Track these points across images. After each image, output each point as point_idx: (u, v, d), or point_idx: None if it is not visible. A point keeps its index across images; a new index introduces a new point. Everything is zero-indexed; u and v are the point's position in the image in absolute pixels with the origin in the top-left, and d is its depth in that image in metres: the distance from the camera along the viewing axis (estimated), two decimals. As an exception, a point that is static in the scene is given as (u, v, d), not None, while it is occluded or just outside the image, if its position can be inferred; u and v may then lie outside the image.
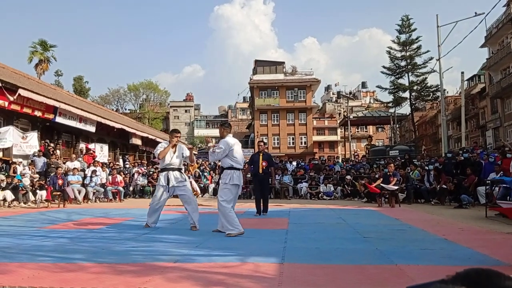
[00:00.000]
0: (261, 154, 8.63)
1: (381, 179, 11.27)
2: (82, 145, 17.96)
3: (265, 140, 37.27)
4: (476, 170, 11.38)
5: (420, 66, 37.41)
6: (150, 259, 3.97)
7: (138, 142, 24.78)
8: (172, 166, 6.30)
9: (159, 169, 6.53)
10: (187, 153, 6.47)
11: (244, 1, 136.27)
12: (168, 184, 6.20)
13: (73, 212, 9.37)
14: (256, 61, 46.80)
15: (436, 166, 12.57)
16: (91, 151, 17.00)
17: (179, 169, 6.42)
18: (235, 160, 5.73)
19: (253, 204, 8.97)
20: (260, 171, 8.47)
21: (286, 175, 15.44)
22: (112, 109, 45.26)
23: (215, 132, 61.71)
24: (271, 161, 8.90)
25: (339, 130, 53.75)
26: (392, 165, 11.81)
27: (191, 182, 9.00)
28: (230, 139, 5.82)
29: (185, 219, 7.23)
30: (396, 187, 10.68)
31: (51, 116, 15.28)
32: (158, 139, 28.02)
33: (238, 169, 5.76)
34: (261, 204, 8.52)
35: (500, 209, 7.73)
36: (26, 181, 11.92)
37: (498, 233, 5.81)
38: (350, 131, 34.62)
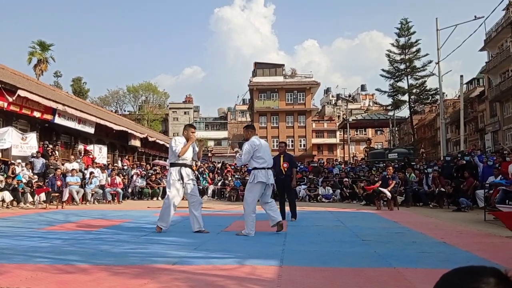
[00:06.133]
0: (282, 155, 8.13)
1: (380, 182, 11.28)
2: (80, 146, 17.93)
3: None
4: (473, 172, 11.40)
5: (419, 69, 37.56)
6: (148, 261, 3.96)
7: (137, 143, 24.75)
8: (184, 162, 6.03)
9: (170, 163, 6.16)
10: (197, 149, 6.29)
11: (245, 4, 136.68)
12: (182, 179, 5.91)
13: (71, 214, 9.35)
14: (256, 64, 46.88)
15: (435, 169, 12.57)
16: (89, 153, 16.98)
17: (190, 166, 6.18)
18: (258, 161, 5.70)
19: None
20: (283, 172, 7.97)
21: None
22: (111, 111, 45.22)
23: (215, 134, 61.83)
24: (292, 163, 8.38)
25: (338, 133, 53.83)
26: (391, 168, 11.79)
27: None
28: (253, 140, 5.76)
29: (184, 221, 7.22)
30: (389, 193, 10.52)
31: (50, 117, 15.27)
32: (157, 141, 28.16)
33: (263, 168, 5.69)
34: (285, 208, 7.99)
35: (498, 214, 7.66)
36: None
37: (496, 236, 5.81)
38: (349, 134, 34.64)
